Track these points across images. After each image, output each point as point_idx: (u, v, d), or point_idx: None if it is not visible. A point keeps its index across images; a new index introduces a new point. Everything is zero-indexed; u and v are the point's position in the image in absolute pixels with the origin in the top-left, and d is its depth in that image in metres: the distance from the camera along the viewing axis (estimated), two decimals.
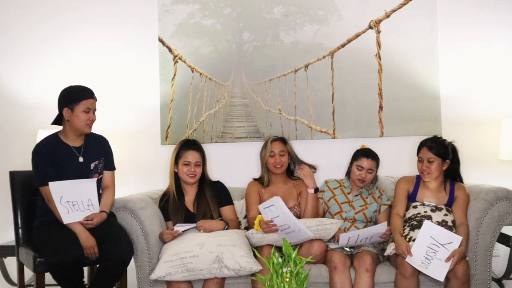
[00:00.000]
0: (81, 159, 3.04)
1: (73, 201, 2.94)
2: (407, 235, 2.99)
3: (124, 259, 2.93)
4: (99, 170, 3.11)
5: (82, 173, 3.03)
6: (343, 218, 3.25)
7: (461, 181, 3.19)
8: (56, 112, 3.03)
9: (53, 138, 3.05)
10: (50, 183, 2.91)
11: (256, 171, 3.58)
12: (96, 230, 2.95)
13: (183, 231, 3.09)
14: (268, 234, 3.02)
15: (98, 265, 3.00)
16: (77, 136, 3.05)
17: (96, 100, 3.05)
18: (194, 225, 3.12)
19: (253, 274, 2.92)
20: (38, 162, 2.98)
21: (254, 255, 2.92)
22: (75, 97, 2.98)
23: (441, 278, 2.85)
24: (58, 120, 3.06)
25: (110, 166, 3.18)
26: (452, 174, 3.18)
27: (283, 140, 3.48)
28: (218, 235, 3.01)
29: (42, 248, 2.86)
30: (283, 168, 3.43)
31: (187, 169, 3.25)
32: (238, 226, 3.31)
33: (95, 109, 3.04)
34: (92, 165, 3.08)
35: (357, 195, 3.31)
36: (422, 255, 2.87)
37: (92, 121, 3.03)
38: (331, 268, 2.97)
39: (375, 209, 3.27)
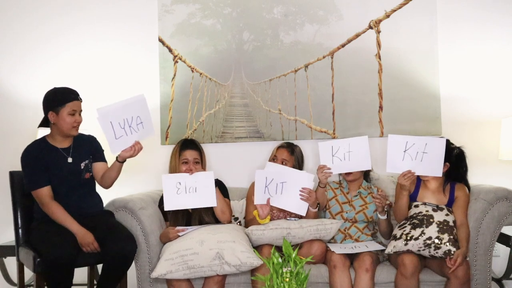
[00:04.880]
0: (70, 160, 3.04)
1: (119, 121, 2.91)
2: (408, 233, 2.98)
3: (127, 253, 2.92)
4: (90, 169, 3.11)
5: (72, 173, 3.03)
6: (344, 218, 3.25)
7: (467, 186, 3.16)
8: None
9: (40, 142, 3.06)
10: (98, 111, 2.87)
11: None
12: (96, 228, 2.94)
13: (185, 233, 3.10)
14: (267, 231, 3.03)
15: (102, 264, 2.99)
16: (65, 138, 3.05)
17: (81, 101, 3.04)
18: (195, 227, 3.13)
19: (253, 274, 2.93)
20: (27, 167, 2.98)
21: None
22: (59, 100, 2.97)
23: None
24: (45, 122, 3.05)
25: (102, 158, 3.16)
26: (456, 179, 3.16)
27: (291, 150, 3.41)
28: (218, 231, 3.01)
29: (39, 247, 2.86)
30: None
31: (186, 168, 3.24)
32: (230, 220, 3.28)
33: (81, 111, 3.03)
34: (82, 165, 3.07)
35: (356, 195, 3.31)
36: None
37: (79, 123, 3.02)
38: (331, 267, 2.97)
39: (375, 209, 3.27)
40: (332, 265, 2.97)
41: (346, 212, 3.26)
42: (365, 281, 2.92)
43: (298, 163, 3.42)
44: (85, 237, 2.89)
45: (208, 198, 3.14)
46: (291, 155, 3.39)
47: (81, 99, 3.04)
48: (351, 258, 3.07)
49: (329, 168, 3.17)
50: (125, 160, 3.03)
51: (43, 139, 3.07)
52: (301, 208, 3.15)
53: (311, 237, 3.08)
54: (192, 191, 3.12)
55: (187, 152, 3.27)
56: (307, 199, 3.13)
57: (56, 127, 3.00)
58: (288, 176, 3.15)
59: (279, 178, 3.14)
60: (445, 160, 3.09)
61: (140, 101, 3.02)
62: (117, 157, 3.02)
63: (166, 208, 3.11)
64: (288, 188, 3.14)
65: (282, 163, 3.33)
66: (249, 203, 3.36)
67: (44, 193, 2.95)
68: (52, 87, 3.06)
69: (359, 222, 3.23)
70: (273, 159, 3.39)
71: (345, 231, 3.21)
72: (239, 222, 3.38)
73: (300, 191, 3.13)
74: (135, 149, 2.98)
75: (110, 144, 2.91)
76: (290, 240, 3.01)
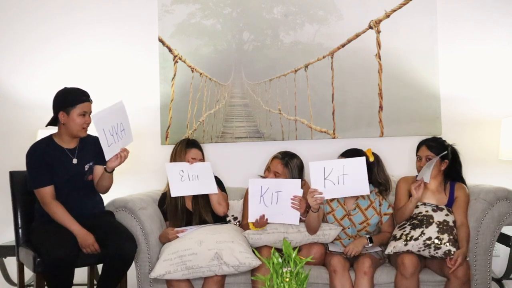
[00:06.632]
0: (75, 161, 3.04)
1: (109, 128, 2.92)
2: (408, 233, 2.98)
3: (128, 253, 2.93)
4: (93, 171, 3.10)
5: (76, 174, 3.03)
6: (349, 235, 3.13)
7: (464, 183, 3.17)
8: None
9: (47, 141, 3.04)
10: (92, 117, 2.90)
11: (256, 171, 3.57)
12: (96, 228, 2.94)
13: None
14: (265, 235, 3.03)
15: (102, 264, 2.99)
16: (72, 139, 3.05)
17: (92, 103, 3.04)
18: (194, 228, 3.13)
19: (253, 274, 2.93)
20: (31, 165, 2.97)
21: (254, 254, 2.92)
22: (71, 101, 2.96)
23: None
24: (53, 122, 3.05)
25: (103, 162, 3.14)
26: (454, 177, 3.16)
27: (285, 162, 3.21)
28: (216, 232, 3.02)
29: (40, 247, 2.86)
30: None
31: None
32: (226, 212, 3.28)
33: (90, 112, 3.02)
34: (87, 167, 3.07)
35: (355, 209, 3.15)
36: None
37: (88, 124, 3.01)
38: (331, 271, 2.96)
39: (377, 222, 3.15)
40: (332, 269, 2.95)
41: (348, 228, 3.13)
42: (363, 284, 2.91)
43: (293, 177, 3.18)
44: (85, 238, 2.89)
45: (209, 186, 3.17)
46: (285, 168, 3.19)
47: (91, 100, 3.04)
48: (351, 260, 3.06)
49: (320, 193, 2.94)
50: (113, 170, 3.03)
51: (50, 138, 3.06)
52: (294, 217, 3.03)
53: (308, 242, 3.08)
54: (194, 178, 3.15)
55: (193, 151, 3.26)
56: (299, 207, 3.01)
57: (65, 127, 3.00)
58: (280, 186, 3.04)
59: (274, 187, 3.04)
60: (444, 158, 3.10)
61: (122, 108, 3.02)
62: (105, 168, 3.03)
63: (173, 195, 3.12)
64: (282, 197, 3.03)
65: (275, 176, 3.19)
66: (246, 205, 3.34)
67: (47, 193, 2.95)
68: (62, 87, 3.04)
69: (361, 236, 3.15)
70: (267, 169, 3.28)
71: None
72: (239, 222, 3.38)
73: (292, 199, 3.01)
74: (122, 156, 2.98)
75: (104, 151, 2.92)
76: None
